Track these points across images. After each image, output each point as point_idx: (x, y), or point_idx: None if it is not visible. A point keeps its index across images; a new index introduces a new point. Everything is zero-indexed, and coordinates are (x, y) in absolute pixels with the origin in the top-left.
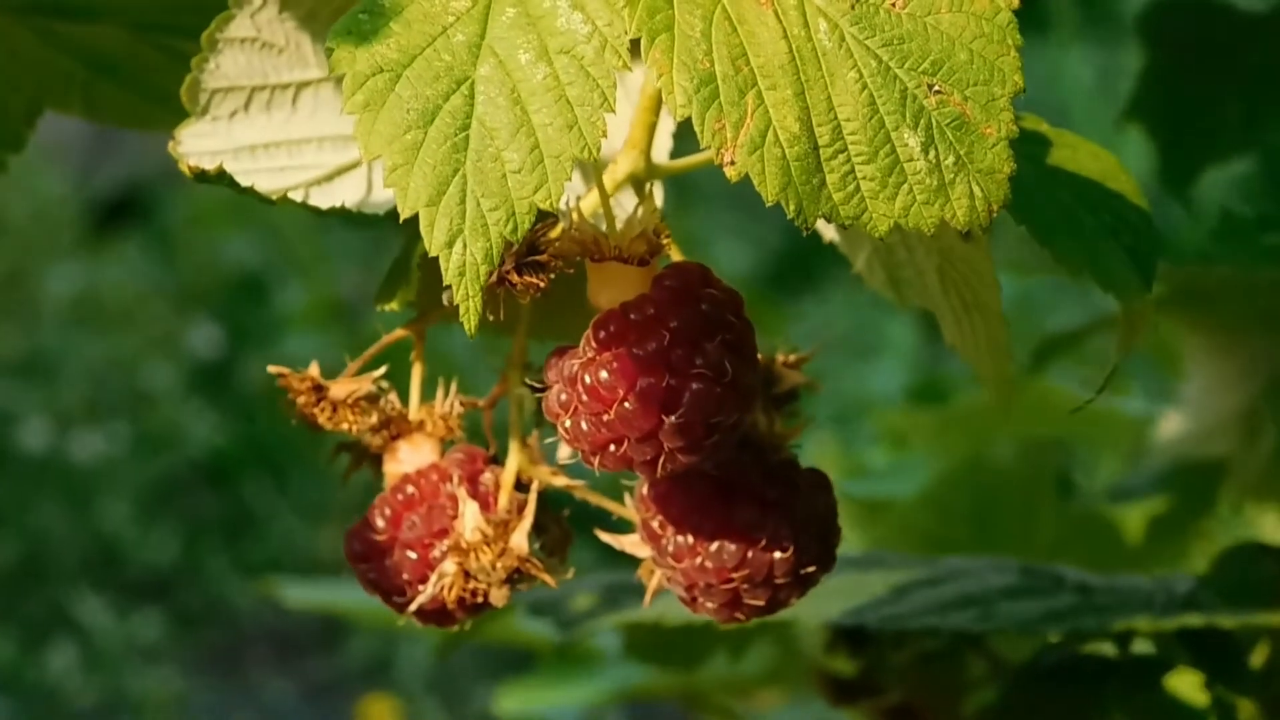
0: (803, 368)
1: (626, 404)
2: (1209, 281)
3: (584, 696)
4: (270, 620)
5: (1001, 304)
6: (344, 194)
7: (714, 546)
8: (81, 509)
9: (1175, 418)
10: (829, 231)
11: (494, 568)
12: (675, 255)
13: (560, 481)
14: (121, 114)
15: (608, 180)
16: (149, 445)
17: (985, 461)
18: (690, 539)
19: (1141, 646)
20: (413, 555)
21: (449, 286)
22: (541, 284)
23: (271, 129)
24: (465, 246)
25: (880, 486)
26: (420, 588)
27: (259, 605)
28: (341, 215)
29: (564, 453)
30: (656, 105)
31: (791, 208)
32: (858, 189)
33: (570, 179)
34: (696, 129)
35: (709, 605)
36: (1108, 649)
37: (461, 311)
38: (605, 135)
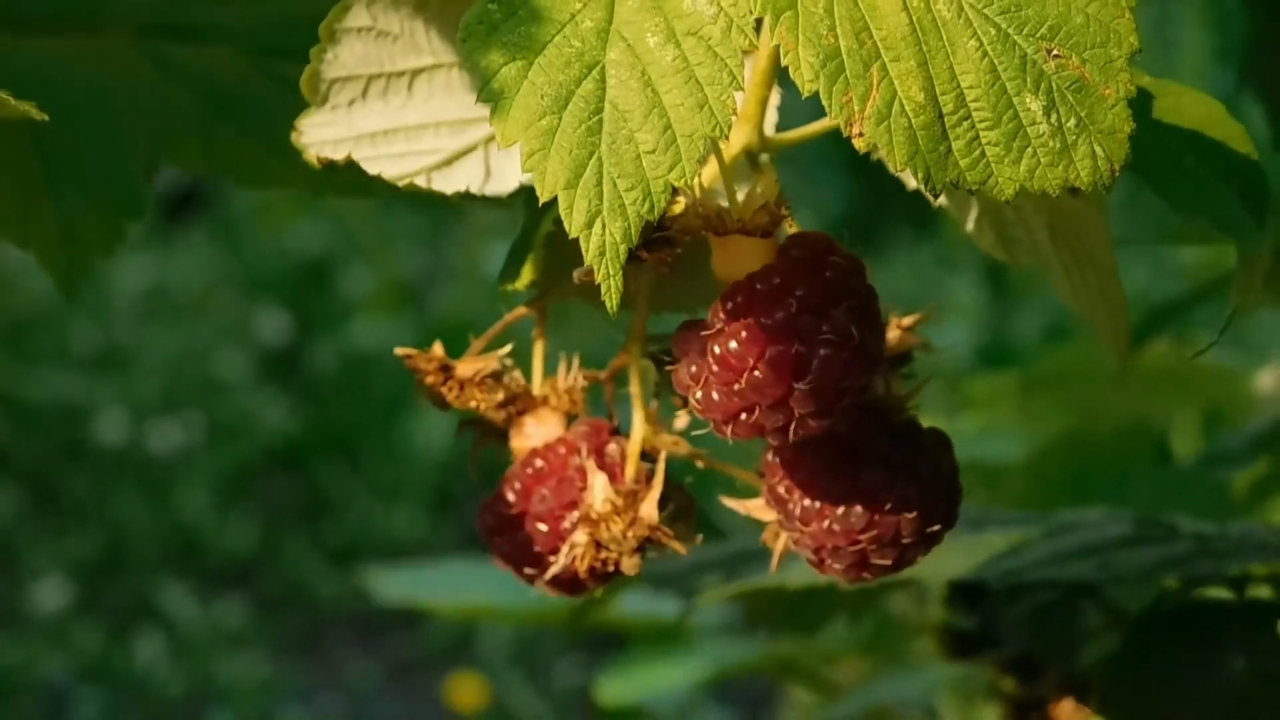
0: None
1: (757, 372)
2: None
3: (682, 677)
4: (351, 602)
5: (1113, 257)
6: (465, 178)
7: (841, 509)
8: (161, 499)
9: (1272, 374)
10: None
11: (625, 537)
12: (791, 226)
13: (684, 450)
14: (240, 165)
15: (721, 155)
16: (224, 434)
17: (1082, 429)
18: (817, 503)
19: (1258, 591)
20: (544, 527)
21: (589, 267)
22: (669, 259)
23: (389, 116)
24: (604, 227)
25: (971, 450)
26: (552, 559)
27: (339, 588)
28: (466, 200)
29: (681, 422)
30: (769, 80)
31: (920, 175)
32: (983, 155)
33: (703, 157)
34: (824, 103)
35: (837, 566)
36: (1224, 594)
37: (604, 290)
38: (736, 113)
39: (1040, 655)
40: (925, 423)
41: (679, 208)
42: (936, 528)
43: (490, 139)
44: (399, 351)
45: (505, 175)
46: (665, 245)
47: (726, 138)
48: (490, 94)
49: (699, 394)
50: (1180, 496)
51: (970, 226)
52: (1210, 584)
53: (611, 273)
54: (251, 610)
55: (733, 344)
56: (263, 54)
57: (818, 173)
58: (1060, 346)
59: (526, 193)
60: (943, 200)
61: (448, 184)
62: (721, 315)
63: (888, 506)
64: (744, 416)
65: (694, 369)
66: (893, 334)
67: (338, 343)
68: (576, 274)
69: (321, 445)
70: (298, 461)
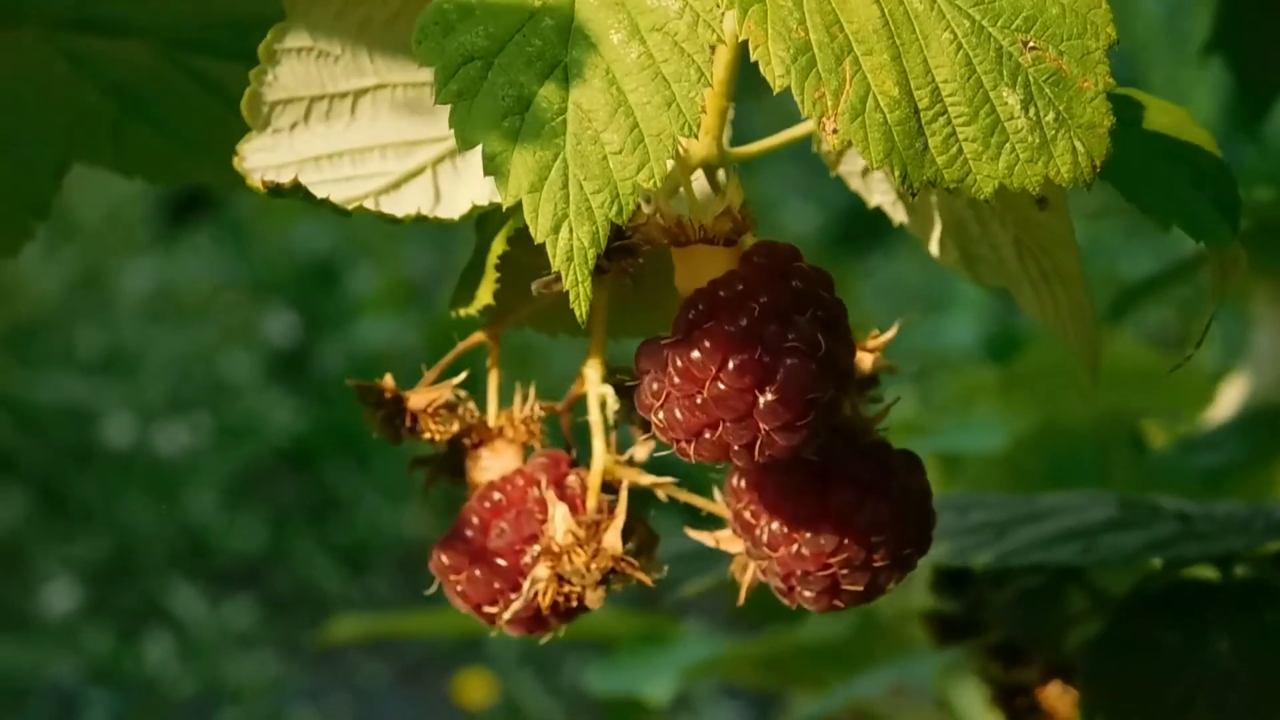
0: (877, 329)
1: (719, 383)
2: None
3: (671, 672)
4: (359, 601)
5: (1081, 268)
6: (413, 201)
7: (811, 532)
8: (169, 501)
9: (1244, 369)
10: (898, 214)
11: (588, 569)
12: (753, 237)
13: (647, 480)
14: (152, 165)
15: (680, 167)
16: (231, 435)
17: (1058, 422)
18: (786, 527)
19: (1242, 571)
20: (503, 563)
21: (551, 277)
22: (630, 270)
23: (333, 139)
24: (571, 231)
25: (948, 442)
26: (513, 596)
27: (348, 587)
28: (418, 222)
29: (641, 454)
30: (727, 90)
31: (896, 173)
32: (960, 151)
33: (672, 157)
34: (796, 98)
35: (806, 594)
36: (1209, 574)
37: (572, 297)
38: (704, 111)
39: (1026, 639)
40: (920, 415)
41: (640, 216)
42: (909, 551)
43: (437, 161)
44: (350, 383)
45: (454, 198)
46: (626, 255)
47: (695, 136)
48: (449, 95)
49: (660, 413)
50: (1160, 484)
51: (934, 246)
52: (1195, 564)
53: (580, 279)
54: (260, 610)
55: (694, 353)
56: (177, 48)
57: (827, 168)
58: (1041, 341)
59: (477, 216)
60: (904, 219)
61: (397, 207)
62: (682, 323)
63: (859, 528)
64: (707, 434)
65: (655, 385)
66: (860, 356)
67: (345, 343)
68: (536, 284)
69: (329, 445)
70: (306, 462)
